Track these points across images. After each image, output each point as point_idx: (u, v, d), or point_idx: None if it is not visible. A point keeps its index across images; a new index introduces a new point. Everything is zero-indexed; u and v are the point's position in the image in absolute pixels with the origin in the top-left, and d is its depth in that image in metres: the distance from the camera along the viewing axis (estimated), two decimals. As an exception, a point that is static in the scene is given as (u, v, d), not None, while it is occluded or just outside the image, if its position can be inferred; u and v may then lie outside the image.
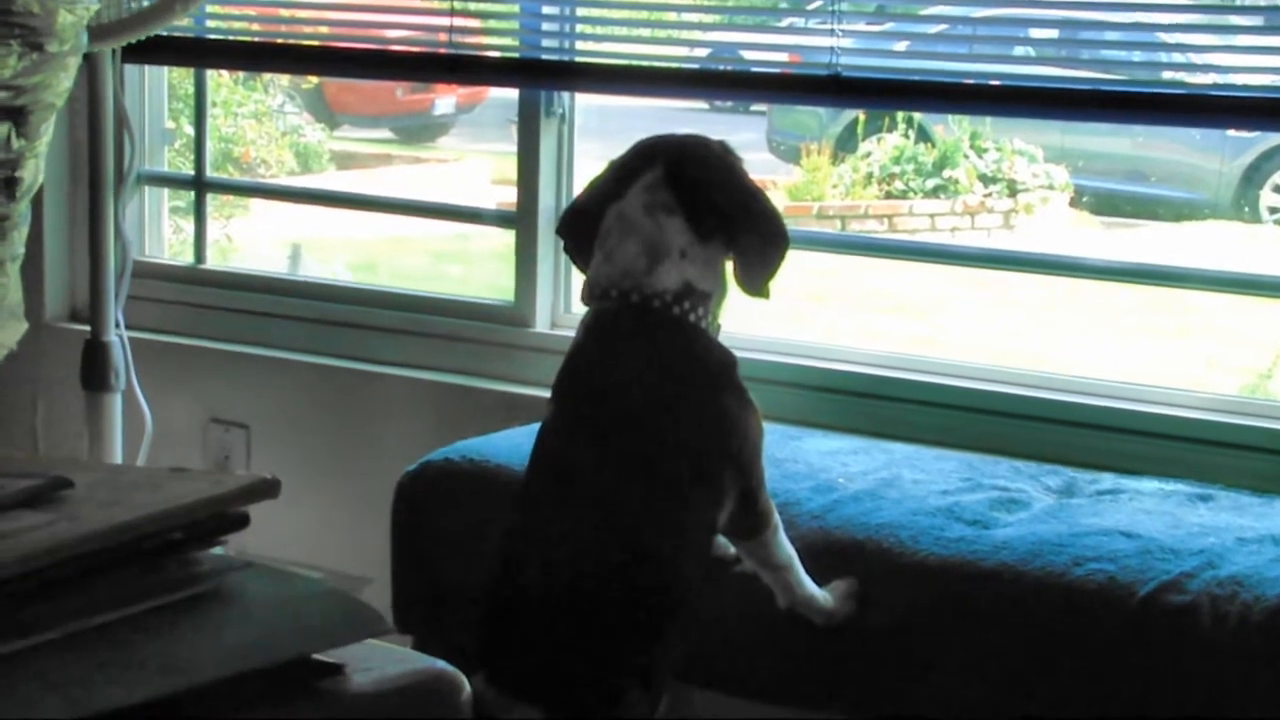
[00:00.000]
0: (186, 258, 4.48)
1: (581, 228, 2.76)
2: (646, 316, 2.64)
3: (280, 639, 1.90)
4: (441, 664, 2.08)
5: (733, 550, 2.79)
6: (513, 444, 3.21)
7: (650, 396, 2.64)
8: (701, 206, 2.67)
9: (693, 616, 2.65)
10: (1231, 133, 8.51)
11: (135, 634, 1.85)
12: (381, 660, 2.01)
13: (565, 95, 3.87)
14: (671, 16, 3.91)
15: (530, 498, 2.70)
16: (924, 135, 8.79)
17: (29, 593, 1.82)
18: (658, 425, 2.62)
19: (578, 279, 3.83)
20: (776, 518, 2.74)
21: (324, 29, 4.22)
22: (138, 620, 1.87)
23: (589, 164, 3.99)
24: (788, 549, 2.76)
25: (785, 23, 3.87)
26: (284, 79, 8.68)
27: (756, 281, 2.72)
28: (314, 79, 9.20)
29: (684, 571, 2.62)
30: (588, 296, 2.72)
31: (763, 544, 2.74)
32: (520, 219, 3.93)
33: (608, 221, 2.69)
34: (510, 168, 4.01)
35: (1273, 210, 8.77)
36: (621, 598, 2.58)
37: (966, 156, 8.75)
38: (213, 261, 4.51)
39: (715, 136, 2.82)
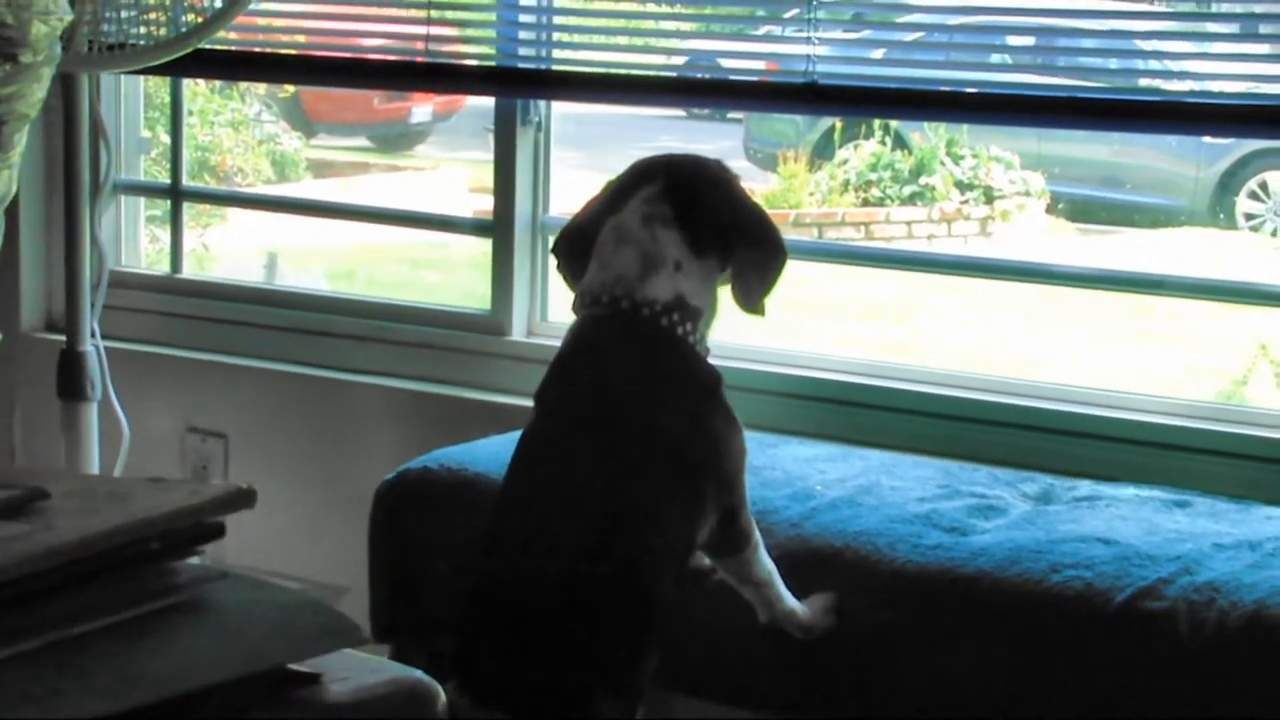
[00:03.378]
0: (163, 267, 4.47)
1: (576, 246, 2.76)
2: (636, 325, 2.64)
3: (257, 649, 1.89)
4: (418, 673, 2.07)
5: (708, 561, 2.78)
6: (490, 452, 3.20)
7: (634, 407, 2.63)
8: (698, 220, 2.68)
9: (667, 628, 2.65)
10: (1207, 140, 8.54)
11: (112, 644, 1.84)
12: (358, 670, 2.01)
13: (542, 103, 3.87)
14: (649, 24, 3.91)
15: (508, 503, 2.69)
16: (901, 142, 8.80)
17: (5, 603, 1.81)
18: (640, 435, 2.62)
19: (555, 288, 3.85)
20: (757, 535, 2.74)
21: (300, 38, 4.22)
22: (114, 631, 1.87)
23: (566, 172, 4.00)
24: (768, 565, 2.76)
25: (762, 31, 3.87)
26: (260, 87, 8.68)
27: (753, 297, 2.73)
28: (291, 87, 9.20)
29: (660, 583, 2.61)
30: (578, 305, 2.72)
31: (743, 562, 2.74)
32: (497, 227, 3.93)
33: (604, 233, 2.69)
34: (487, 176, 4.01)
35: (1248, 217, 8.80)
36: (596, 607, 2.57)
37: (943, 164, 8.77)
38: (189, 271, 4.50)
39: (696, 150, 2.82)
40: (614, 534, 2.59)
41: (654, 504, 2.61)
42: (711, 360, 2.72)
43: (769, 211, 2.83)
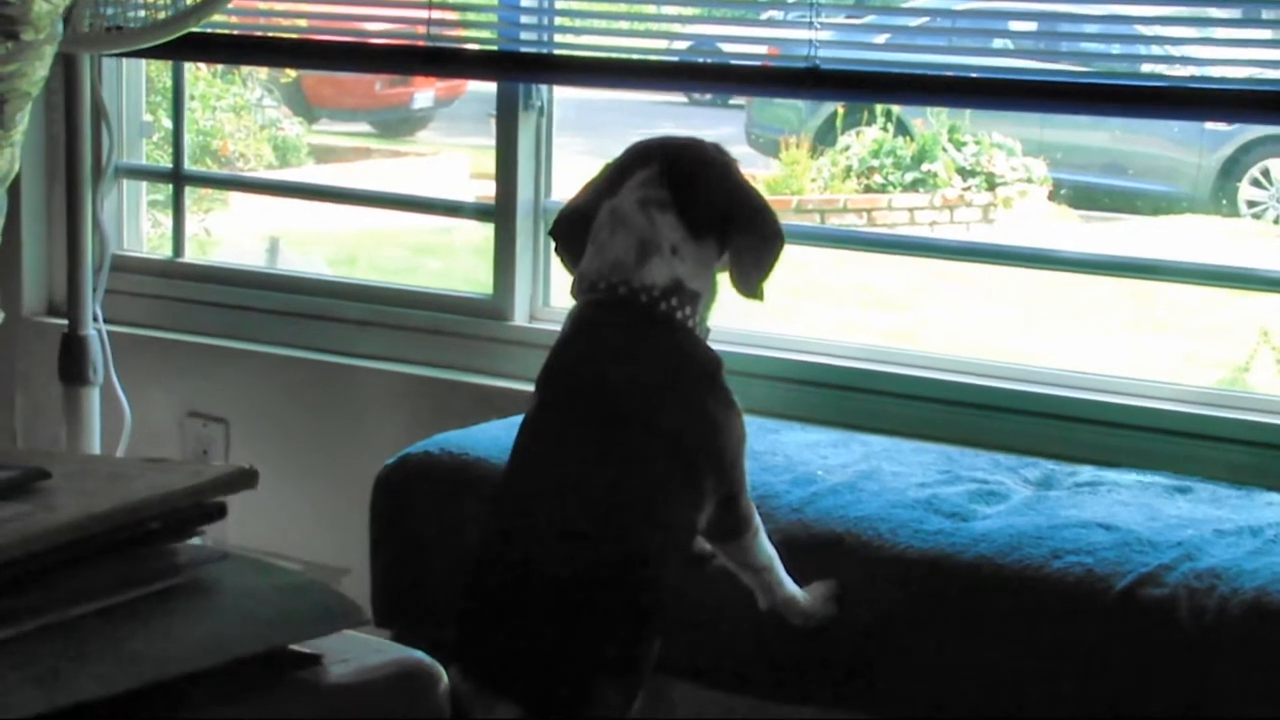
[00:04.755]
0: (165, 251, 4.46)
1: (574, 229, 2.75)
2: (634, 311, 2.64)
3: (257, 630, 1.90)
4: (420, 655, 2.08)
5: (709, 546, 2.78)
6: (491, 437, 3.20)
7: (634, 392, 2.63)
8: (695, 203, 2.67)
9: (671, 614, 2.65)
10: (1210, 126, 8.53)
11: (112, 625, 1.84)
12: (359, 651, 2.01)
13: (544, 88, 3.87)
14: (650, 9, 3.91)
15: (510, 491, 2.69)
16: (902, 129, 8.80)
17: (5, 584, 1.82)
18: (640, 421, 2.61)
19: (557, 273, 3.85)
20: (757, 520, 2.73)
21: (302, 22, 4.21)
22: (115, 611, 1.87)
23: (568, 157, 3.99)
24: (768, 551, 2.75)
25: (764, 15, 3.87)
26: (262, 72, 8.68)
27: (751, 281, 2.72)
28: (292, 72, 9.20)
29: (662, 569, 2.61)
30: (576, 290, 2.72)
31: (743, 547, 2.73)
32: (499, 212, 3.93)
33: (601, 217, 2.68)
34: (489, 161, 4.01)
35: (1250, 204, 8.79)
36: (599, 593, 2.57)
37: (945, 150, 8.76)
38: (191, 255, 4.49)
39: (697, 135, 2.82)
40: (615, 520, 2.58)
41: (654, 489, 2.61)
42: (713, 345, 2.71)
43: (770, 198, 2.82)
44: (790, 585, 2.77)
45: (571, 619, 2.56)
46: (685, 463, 2.62)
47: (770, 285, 2.74)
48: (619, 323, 2.66)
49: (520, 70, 3.83)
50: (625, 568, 2.58)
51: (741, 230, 2.71)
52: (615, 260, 2.65)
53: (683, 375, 2.66)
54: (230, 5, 4.05)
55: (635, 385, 2.63)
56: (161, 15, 3.59)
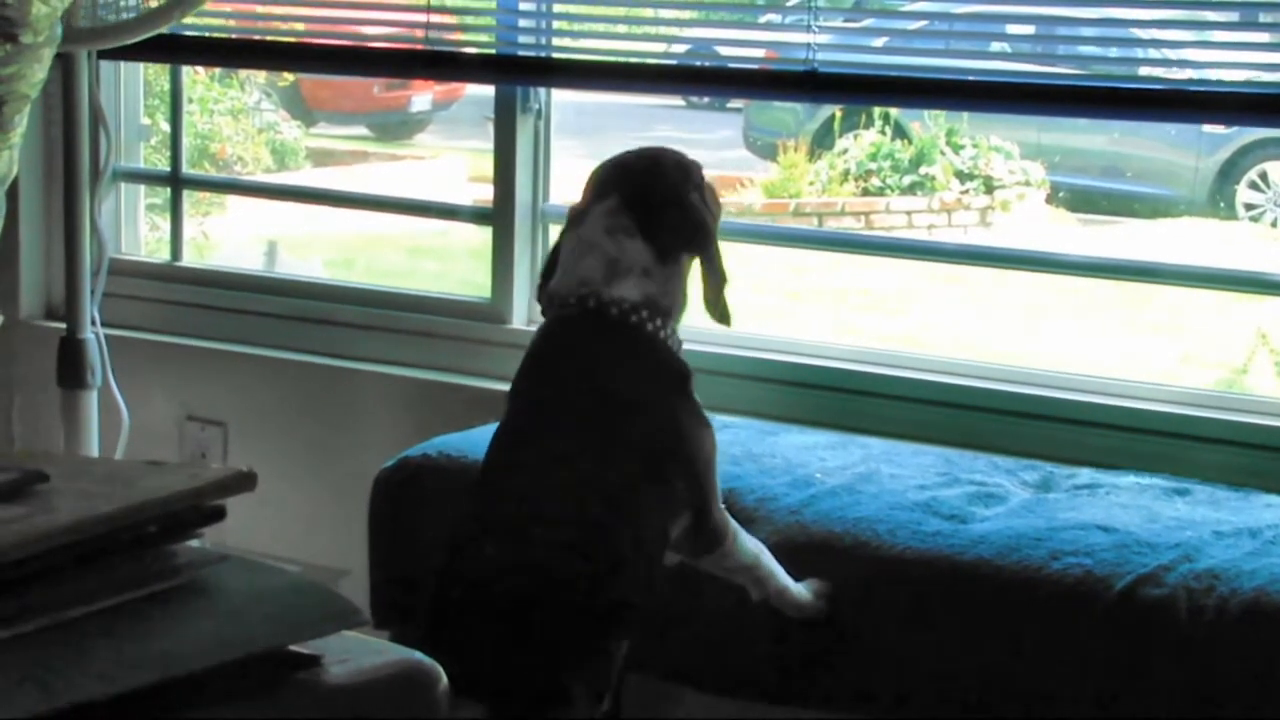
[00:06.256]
0: (163, 255, 4.46)
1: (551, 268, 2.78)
2: (604, 322, 2.66)
3: (256, 631, 1.90)
4: (418, 655, 2.08)
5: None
6: (489, 440, 3.20)
7: (604, 399, 2.65)
8: (660, 230, 2.68)
9: (642, 619, 2.65)
10: (1207, 129, 8.54)
11: (111, 626, 1.85)
12: (358, 652, 2.01)
13: (542, 91, 3.87)
14: (648, 13, 3.91)
15: (481, 497, 2.70)
16: (900, 132, 8.80)
17: (4, 585, 1.82)
18: (609, 427, 2.63)
19: (554, 277, 3.84)
20: (734, 526, 2.74)
21: (300, 25, 4.21)
22: (114, 613, 1.87)
23: (566, 160, 3.99)
24: (751, 549, 2.76)
25: (763, 19, 3.87)
26: (260, 75, 8.68)
27: (714, 303, 2.74)
28: (290, 75, 9.20)
29: (632, 575, 2.62)
30: (546, 306, 2.73)
31: (724, 554, 2.74)
32: (497, 216, 3.93)
33: (567, 242, 2.72)
34: (487, 164, 4.01)
35: (1248, 207, 8.80)
36: (566, 595, 2.58)
37: (943, 153, 8.76)
38: (189, 259, 4.49)
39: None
40: (583, 522, 2.59)
41: (624, 494, 2.62)
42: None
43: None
44: (782, 576, 2.78)
45: (539, 622, 2.57)
46: (654, 466, 2.64)
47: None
48: (589, 333, 2.68)
49: (518, 73, 3.83)
50: (592, 570, 2.59)
51: (701, 253, 2.73)
52: (583, 278, 2.67)
53: (653, 383, 2.68)
54: (228, 9, 4.06)
55: (604, 393, 2.66)
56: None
